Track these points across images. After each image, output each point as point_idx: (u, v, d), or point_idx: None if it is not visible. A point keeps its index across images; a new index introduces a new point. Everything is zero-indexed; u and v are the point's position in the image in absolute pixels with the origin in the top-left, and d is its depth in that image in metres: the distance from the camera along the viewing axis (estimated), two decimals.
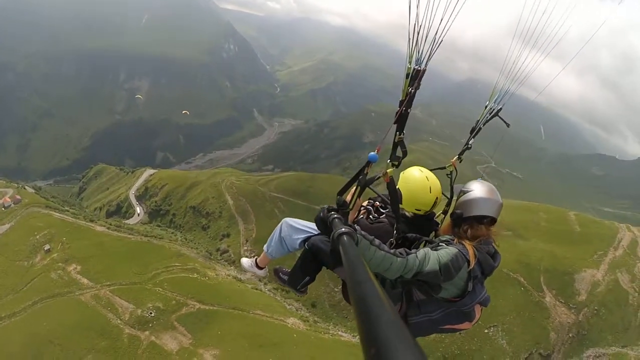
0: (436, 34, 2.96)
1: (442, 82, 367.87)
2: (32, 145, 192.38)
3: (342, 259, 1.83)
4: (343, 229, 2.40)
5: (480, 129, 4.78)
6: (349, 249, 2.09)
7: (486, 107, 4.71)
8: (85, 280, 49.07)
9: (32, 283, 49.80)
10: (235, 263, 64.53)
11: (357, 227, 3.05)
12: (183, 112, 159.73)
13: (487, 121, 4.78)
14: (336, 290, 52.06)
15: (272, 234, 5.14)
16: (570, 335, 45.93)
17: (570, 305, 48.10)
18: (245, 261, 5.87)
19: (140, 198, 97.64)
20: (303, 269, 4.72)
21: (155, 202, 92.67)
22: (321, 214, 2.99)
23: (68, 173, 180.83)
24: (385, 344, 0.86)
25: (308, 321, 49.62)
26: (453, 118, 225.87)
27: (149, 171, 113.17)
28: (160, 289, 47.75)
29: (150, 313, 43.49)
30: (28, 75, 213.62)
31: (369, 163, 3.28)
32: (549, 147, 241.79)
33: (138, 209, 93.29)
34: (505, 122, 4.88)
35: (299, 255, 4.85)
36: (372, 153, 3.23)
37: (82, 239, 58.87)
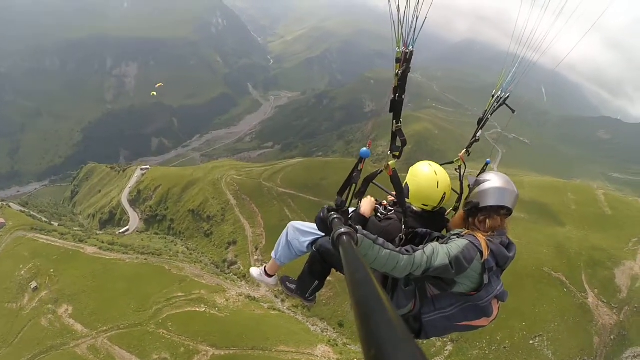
0: (419, 12, 2.94)
1: (439, 44, 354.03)
2: (23, 147, 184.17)
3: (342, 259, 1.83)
4: (342, 229, 2.31)
5: (487, 119, 4.68)
6: (348, 249, 2.09)
7: (493, 96, 4.67)
8: (79, 327, 43.50)
9: (23, 333, 44.70)
10: (246, 277, 58.04)
11: (359, 227, 2.95)
12: (157, 85, 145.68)
13: (494, 110, 4.72)
14: None
15: (279, 239, 4.84)
16: (612, 337, 43.82)
17: (612, 304, 46.28)
18: (255, 270, 5.38)
19: (133, 202, 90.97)
20: (311, 272, 4.46)
21: (150, 207, 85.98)
22: (321, 215, 2.88)
23: (63, 171, 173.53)
24: (385, 344, 0.85)
25: (337, 345, 44.68)
26: (454, 82, 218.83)
27: (140, 170, 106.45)
28: (165, 332, 41.70)
29: None
30: (10, 76, 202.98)
31: (361, 159, 3.21)
32: (552, 109, 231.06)
33: (132, 219, 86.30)
34: (511, 109, 4.90)
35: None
36: (364, 149, 3.16)
37: (71, 269, 53.32)
